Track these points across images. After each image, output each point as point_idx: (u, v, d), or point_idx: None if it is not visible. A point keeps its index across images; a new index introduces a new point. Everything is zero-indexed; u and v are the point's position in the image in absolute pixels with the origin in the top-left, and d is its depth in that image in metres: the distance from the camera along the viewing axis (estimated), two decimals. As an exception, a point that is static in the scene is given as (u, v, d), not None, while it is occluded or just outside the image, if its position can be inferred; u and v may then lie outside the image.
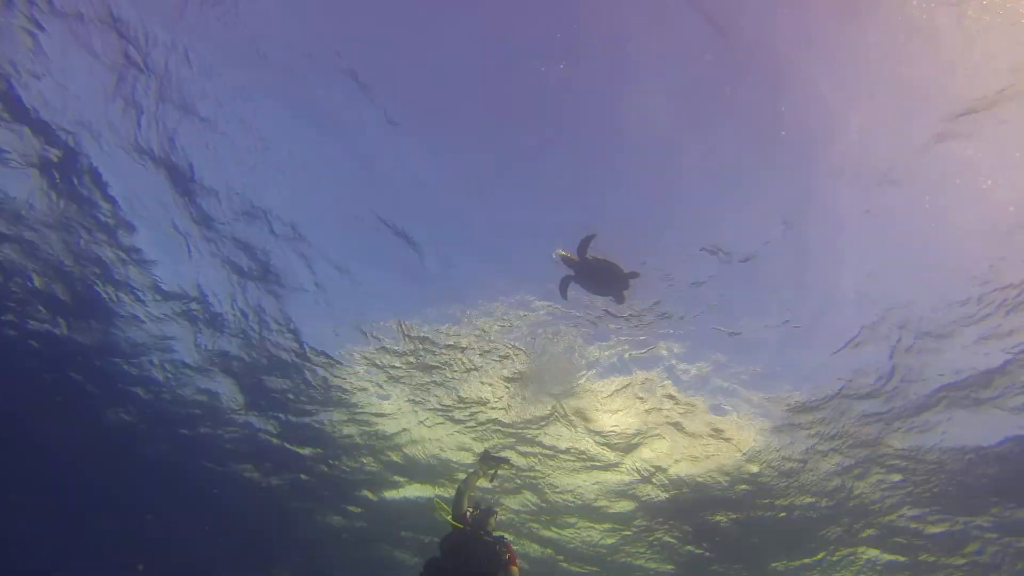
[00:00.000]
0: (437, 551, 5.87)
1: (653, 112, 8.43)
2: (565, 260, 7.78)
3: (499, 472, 7.21)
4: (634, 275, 7.82)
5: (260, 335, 12.09)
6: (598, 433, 13.16)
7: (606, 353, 11.59)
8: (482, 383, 12.53)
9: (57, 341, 13.08)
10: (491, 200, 9.92)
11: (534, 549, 17.47)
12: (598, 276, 7.75)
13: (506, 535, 6.02)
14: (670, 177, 9.29)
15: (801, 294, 9.98)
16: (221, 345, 12.53)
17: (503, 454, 12.20)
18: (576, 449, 13.67)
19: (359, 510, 17.51)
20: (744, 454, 12.91)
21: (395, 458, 14.97)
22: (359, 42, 8.24)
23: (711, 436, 12.68)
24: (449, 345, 11.74)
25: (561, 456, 13.96)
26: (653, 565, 17.42)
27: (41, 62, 8.19)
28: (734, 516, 14.93)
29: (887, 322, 9.82)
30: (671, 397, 12.12)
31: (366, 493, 16.64)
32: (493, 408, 13.02)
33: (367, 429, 14.18)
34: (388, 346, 11.86)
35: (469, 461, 14.55)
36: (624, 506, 15.23)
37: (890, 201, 8.63)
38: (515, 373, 12.22)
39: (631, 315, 10.65)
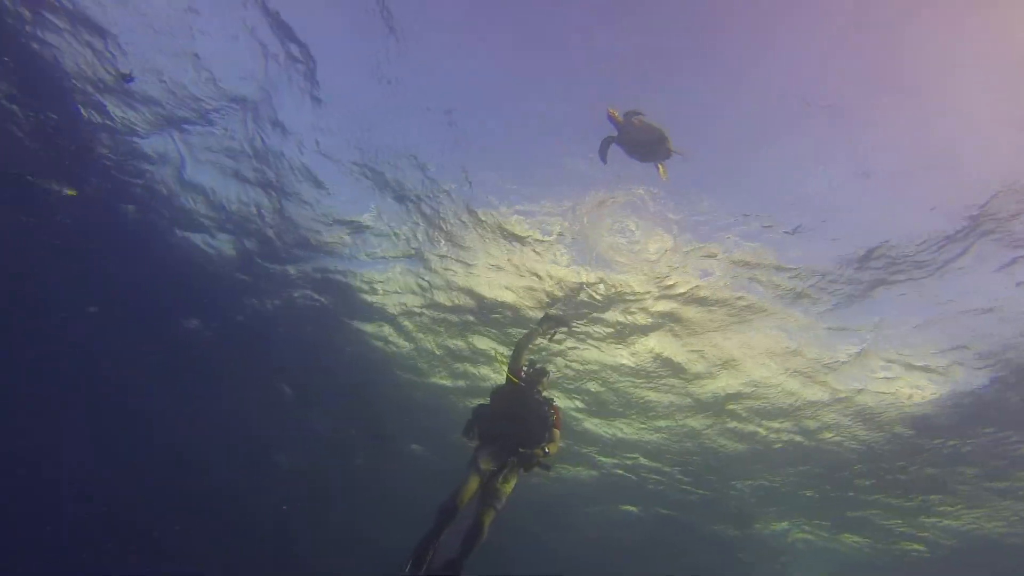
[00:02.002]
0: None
1: None
2: (611, 119, 6.95)
3: (557, 335, 7.09)
4: (678, 152, 7.07)
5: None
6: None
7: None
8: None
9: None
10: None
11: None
12: (640, 140, 6.99)
13: (554, 398, 6.11)
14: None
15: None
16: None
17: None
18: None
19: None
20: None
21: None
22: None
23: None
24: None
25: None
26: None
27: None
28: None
29: None
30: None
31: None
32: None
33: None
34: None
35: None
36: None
37: None
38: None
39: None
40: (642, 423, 15.67)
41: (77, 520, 20.38)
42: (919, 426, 13.38)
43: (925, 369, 11.71)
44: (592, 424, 16.17)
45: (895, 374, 12.08)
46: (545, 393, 6.09)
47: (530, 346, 6.78)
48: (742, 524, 20.52)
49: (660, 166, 7.21)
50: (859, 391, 12.74)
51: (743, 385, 13.43)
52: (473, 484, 5.66)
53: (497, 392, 6.10)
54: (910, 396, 12.48)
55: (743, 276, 10.87)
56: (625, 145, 7.20)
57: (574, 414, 15.67)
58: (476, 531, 5.42)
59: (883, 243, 9.48)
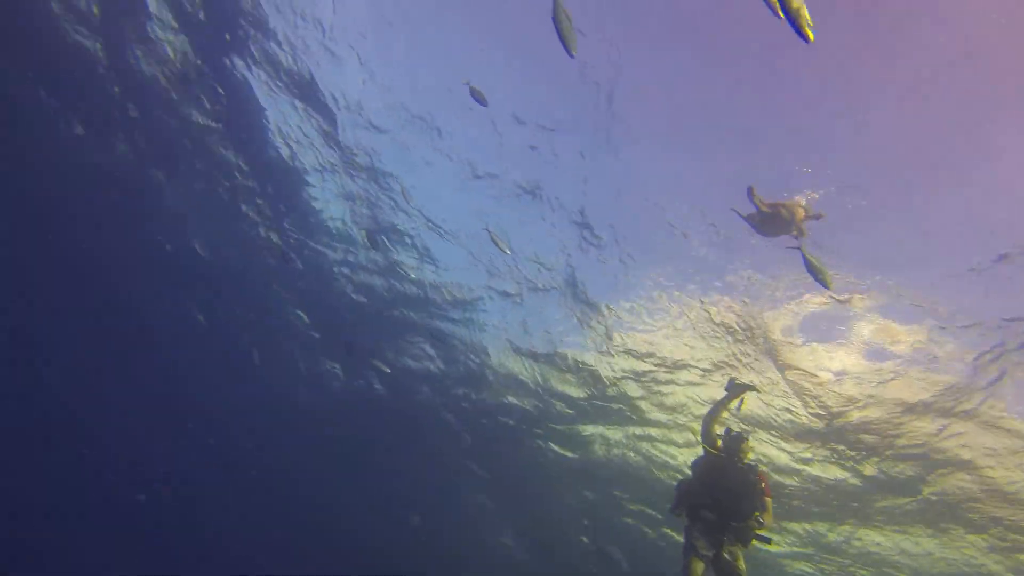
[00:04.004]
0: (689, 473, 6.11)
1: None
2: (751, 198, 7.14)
3: (743, 403, 6.95)
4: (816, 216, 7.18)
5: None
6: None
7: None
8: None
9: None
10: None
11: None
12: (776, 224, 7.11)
13: (760, 465, 5.92)
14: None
15: None
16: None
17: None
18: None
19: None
20: None
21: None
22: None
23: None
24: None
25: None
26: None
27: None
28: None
29: None
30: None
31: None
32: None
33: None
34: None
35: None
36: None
37: None
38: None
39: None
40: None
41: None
42: None
43: None
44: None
45: None
46: (749, 458, 5.93)
47: (720, 416, 6.74)
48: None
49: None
50: None
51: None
52: (697, 569, 5.65)
53: (698, 464, 6.10)
54: None
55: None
56: (758, 226, 7.30)
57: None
58: None
59: None
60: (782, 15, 3.57)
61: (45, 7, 8.81)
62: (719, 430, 6.35)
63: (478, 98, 7.59)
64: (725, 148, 9.28)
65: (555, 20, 4.80)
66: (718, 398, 6.92)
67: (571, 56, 4.89)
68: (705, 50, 8.53)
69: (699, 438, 6.16)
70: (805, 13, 3.55)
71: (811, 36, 3.58)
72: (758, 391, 6.95)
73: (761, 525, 5.53)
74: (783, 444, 12.31)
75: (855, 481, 12.74)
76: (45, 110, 10.34)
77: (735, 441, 5.91)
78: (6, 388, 16.67)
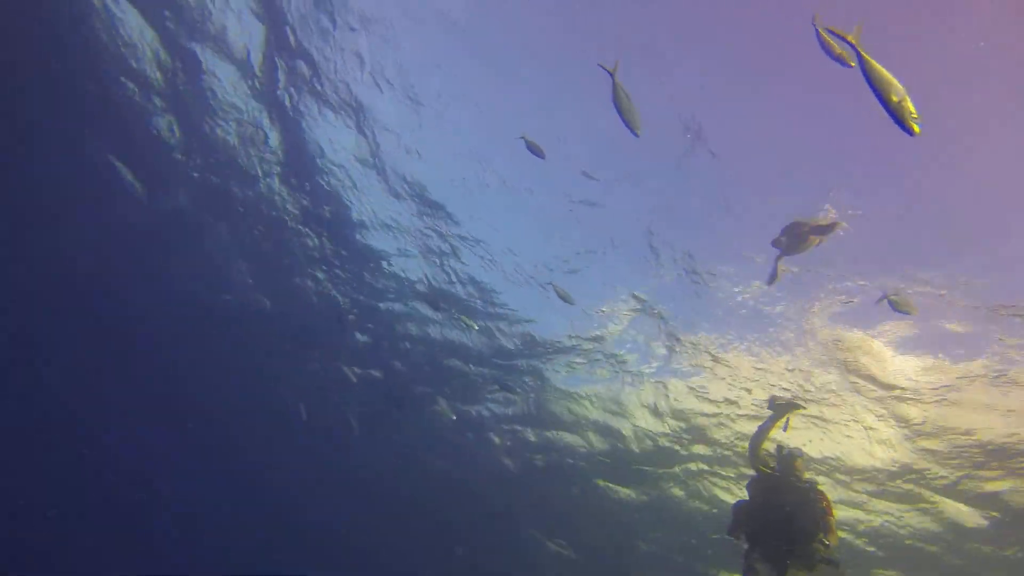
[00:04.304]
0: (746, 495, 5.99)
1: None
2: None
3: (791, 419, 6.80)
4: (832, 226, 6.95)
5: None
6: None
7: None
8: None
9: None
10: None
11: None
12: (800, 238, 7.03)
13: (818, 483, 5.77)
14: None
15: None
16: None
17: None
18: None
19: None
20: None
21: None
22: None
23: None
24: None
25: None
26: None
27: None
28: None
29: None
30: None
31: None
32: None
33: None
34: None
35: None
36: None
37: None
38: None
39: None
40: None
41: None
42: None
43: None
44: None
45: None
46: (807, 476, 5.80)
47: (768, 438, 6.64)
48: None
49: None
50: None
51: None
52: None
53: (753, 484, 5.96)
54: None
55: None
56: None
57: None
58: None
59: None
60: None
61: (119, 88, 9.73)
62: (770, 447, 6.25)
63: (535, 151, 7.65)
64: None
65: (615, 101, 4.75)
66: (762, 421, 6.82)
67: (635, 136, 4.90)
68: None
69: (749, 462, 6.06)
70: (909, 106, 3.41)
71: (917, 129, 3.41)
72: (803, 407, 6.84)
73: (827, 547, 5.37)
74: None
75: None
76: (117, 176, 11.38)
77: (789, 458, 5.81)
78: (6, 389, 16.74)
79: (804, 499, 5.57)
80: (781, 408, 6.91)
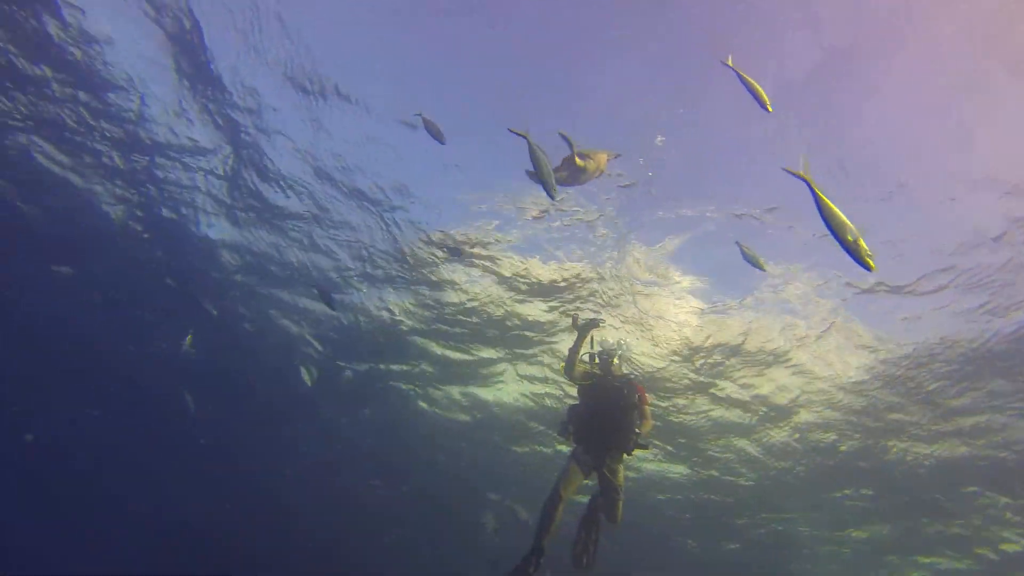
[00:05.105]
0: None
1: None
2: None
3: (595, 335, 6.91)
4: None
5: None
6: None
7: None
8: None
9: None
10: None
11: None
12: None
13: (632, 375, 6.27)
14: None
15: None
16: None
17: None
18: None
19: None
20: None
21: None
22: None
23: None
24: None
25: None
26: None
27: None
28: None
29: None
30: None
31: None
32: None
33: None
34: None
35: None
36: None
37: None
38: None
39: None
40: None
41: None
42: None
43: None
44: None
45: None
46: (623, 371, 6.26)
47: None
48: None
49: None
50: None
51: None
52: (574, 476, 5.82)
53: (581, 388, 6.22)
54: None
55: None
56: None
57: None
58: (613, 521, 5.69)
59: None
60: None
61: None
62: (584, 362, 6.52)
63: (433, 133, 6.97)
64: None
65: (533, 161, 4.60)
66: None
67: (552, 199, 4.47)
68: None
69: (568, 381, 6.29)
70: (863, 244, 3.67)
71: (873, 266, 3.70)
72: (603, 323, 7.30)
73: (637, 436, 5.90)
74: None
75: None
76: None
77: (605, 358, 6.19)
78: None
79: (620, 394, 6.00)
80: (584, 328, 6.96)
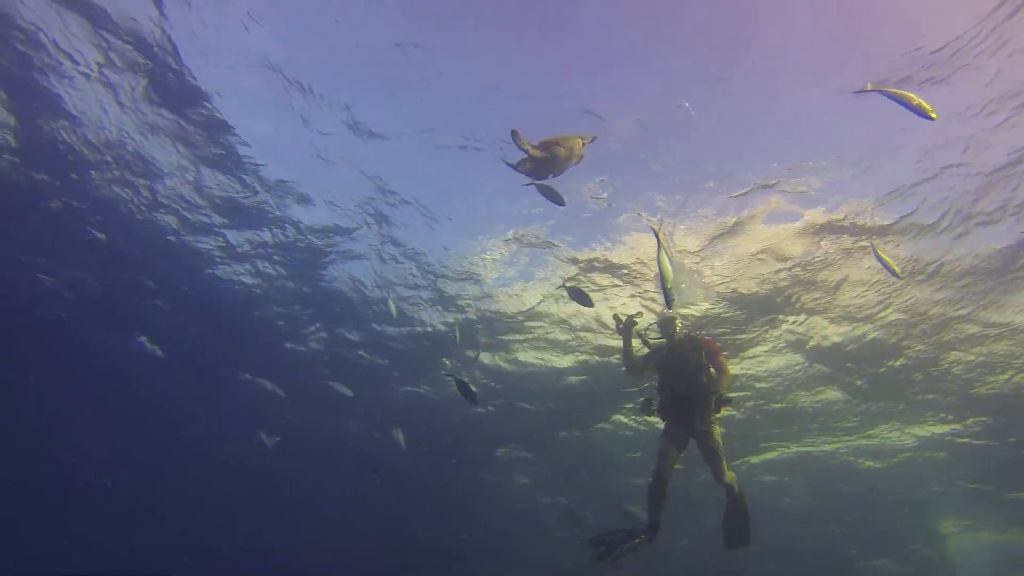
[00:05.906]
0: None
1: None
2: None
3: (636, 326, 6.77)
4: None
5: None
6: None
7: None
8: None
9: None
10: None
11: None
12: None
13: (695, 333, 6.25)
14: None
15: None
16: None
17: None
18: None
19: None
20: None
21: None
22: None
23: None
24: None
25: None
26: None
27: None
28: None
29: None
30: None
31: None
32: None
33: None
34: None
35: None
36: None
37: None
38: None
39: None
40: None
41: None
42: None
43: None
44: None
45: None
46: (687, 334, 6.21)
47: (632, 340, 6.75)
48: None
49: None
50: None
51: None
52: (670, 453, 5.77)
53: (656, 368, 6.14)
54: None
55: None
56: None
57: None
58: (720, 481, 5.63)
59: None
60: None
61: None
62: (637, 342, 6.51)
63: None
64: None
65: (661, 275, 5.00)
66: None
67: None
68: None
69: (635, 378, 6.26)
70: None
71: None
72: (641, 314, 7.27)
73: (719, 393, 5.68)
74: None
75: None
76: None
77: (667, 326, 6.16)
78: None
79: (686, 358, 5.83)
80: (626, 328, 6.82)
